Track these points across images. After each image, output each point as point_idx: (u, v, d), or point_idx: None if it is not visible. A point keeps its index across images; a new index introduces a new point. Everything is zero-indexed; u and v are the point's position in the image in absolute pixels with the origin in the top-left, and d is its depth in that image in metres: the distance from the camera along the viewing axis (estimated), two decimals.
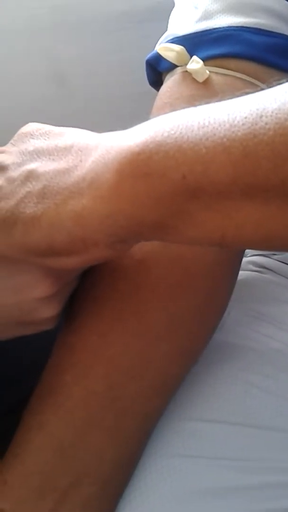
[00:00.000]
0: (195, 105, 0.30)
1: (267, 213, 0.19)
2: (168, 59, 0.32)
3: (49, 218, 0.22)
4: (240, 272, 0.34)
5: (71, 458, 0.26)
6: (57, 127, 0.25)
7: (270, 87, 0.21)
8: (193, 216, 0.20)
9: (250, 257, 0.44)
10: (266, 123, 0.18)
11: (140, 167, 0.20)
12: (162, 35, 0.35)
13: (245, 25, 0.31)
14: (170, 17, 0.35)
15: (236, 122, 0.19)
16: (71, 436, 0.26)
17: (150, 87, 0.36)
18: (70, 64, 0.63)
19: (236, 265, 0.32)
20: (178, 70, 0.32)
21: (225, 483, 0.29)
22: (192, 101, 0.30)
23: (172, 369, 0.29)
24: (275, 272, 0.42)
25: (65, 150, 0.23)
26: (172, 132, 0.20)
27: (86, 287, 0.29)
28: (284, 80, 0.21)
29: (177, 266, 0.29)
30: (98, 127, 0.73)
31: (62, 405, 0.26)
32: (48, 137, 0.25)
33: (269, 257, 0.44)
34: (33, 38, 0.61)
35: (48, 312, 0.27)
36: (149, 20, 0.59)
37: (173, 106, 0.32)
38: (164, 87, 0.33)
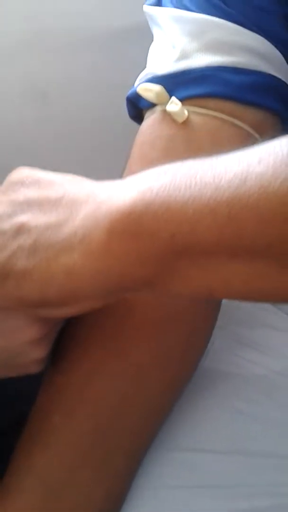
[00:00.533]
0: (174, 146, 0.31)
1: (254, 272, 0.20)
2: (148, 98, 0.33)
3: (41, 272, 0.22)
4: None
5: (60, 499, 0.26)
6: (48, 174, 0.26)
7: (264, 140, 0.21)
8: (181, 273, 0.21)
9: None
10: (250, 187, 0.19)
11: (130, 227, 0.21)
12: (141, 55, 0.36)
13: (222, 65, 0.31)
14: (148, 52, 0.36)
15: (221, 184, 0.20)
16: (60, 476, 0.27)
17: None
18: (51, 83, 0.64)
19: (218, 300, 0.33)
20: (158, 108, 0.33)
21: (216, 510, 0.30)
22: (171, 140, 0.32)
23: (158, 404, 0.30)
24: None
25: (56, 202, 0.24)
26: (161, 191, 0.21)
27: (72, 325, 0.30)
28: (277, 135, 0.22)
29: (160, 304, 0.29)
30: (81, 147, 0.73)
31: (50, 447, 0.27)
32: (38, 187, 0.25)
33: None
34: (14, 58, 0.61)
35: (37, 354, 0.27)
36: (129, 40, 0.60)
37: (153, 145, 0.32)
38: (145, 125, 0.34)
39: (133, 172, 0.32)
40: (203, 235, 0.20)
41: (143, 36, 0.37)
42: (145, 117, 0.34)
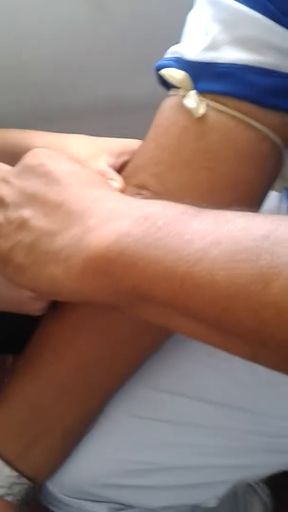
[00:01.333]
0: (186, 138, 0.32)
1: (199, 330, 0.24)
2: (172, 82, 0.33)
3: (32, 273, 0.27)
4: None
5: (42, 416, 0.35)
6: (58, 167, 0.29)
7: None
8: (142, 310, 0.25)
9: None
10: (202, 268, 0.22)
11: (102, 268, 0.25)
12: None
13: (248, 64, 0.30)
14: (187, 18, 0.34)
15: (182, 256, 0.23)
16: (44, 400, 0.35)
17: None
18: None
19: None
20: (181, 92, 0.33)
21: (162, 439, 0.38)
22: (185, 132, 0.33)
23: (137, 360, 0.37)
24: None
25: (55, 207, 0.27)
26: (133, 244, 0.24)
27: None
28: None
29: None
30: (134, 54, 0.71)
31: (40, 377, 0.35)
32: (46, 182, 0.28)
33: None
34: None
35: (37, 306, 0.34)
36: None
37: (168, 130, 0.34)
38: (166, 106, 0.34)
39: (146, 149, 0.34)
40: (158, 294, 0.23)
41: None
42: (169, 94, 0.34)
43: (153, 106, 0.35)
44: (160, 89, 0.36)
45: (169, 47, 0.35)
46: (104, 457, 0.37)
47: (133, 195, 0.34)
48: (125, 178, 0.36)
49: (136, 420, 0.38)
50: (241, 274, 0.21)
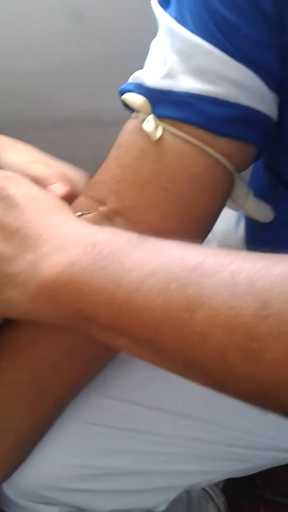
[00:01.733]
0: (145, 159, 0.34)
1: (137, 350, 0.26)
2: (132, 106, 0.35)
3: None
4: None
5: None
6: (17, 191, 0.31)
7: None
8: (88, 329, 0.27)
9: None
10: (140, 296, 0.24)
11: (52, 294, 0.27)
12: None
13: (202, 93, 0.32)
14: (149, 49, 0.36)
15: (122, 284, 0.25)
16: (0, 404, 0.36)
17: None
18: (88, 3, 0.62)
19: None
20: (141, 115, 0.35)
21: (115, 446, 0.40)
22: (143, 153, 0.35)
23: (91, 367, 0.38)
24: None
25: (13, 233, 0.29)
26: (80, 272, 0.26)
27: None
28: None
29: None
30: (113, 66, 0.73)
31: None
32: (4, 207, 0.30)
33: None
34: None
35: None
36: None
37: (128, 151, 0.35)
38: (127, 127, 0.36)
39: (108, 167, 0.36)
40: (100, 318, 0.26)
41: None
42: (131, 116, 0.36)
43: None
44: None
45: (145, 59, 0.37)
46: (59, 461, 0.39)
47: (91, 211, 0.36)
48: (86, 192, 0.37)
49: (90, 427, 0.40)
50: (172, 303, 0.23)
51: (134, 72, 0.37)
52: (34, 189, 0.32)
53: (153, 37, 0.37)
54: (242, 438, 0.43)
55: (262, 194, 0.44)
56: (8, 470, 0.37)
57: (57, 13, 0.63)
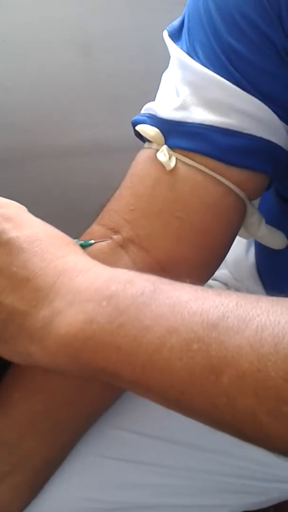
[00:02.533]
0: (159, 189, 0.34)
1: (164, 404, 0.25)
2: (145, 137, 0.35)
3: (10, 346, 0.28)
4: None
5: (11, 453, 0.35)
6: (19, 234, 0.29)
7: None
8: (114, 382, 0.26)
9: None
10: (161, 357, 0.24)
11: (72, 353, 0.26)
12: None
13: (215, 125, 0.33)
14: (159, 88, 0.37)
15: (143, 343, 0.24)
16: (13, 437, 0.35)
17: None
18: (95, 35, 0.64)
19: None
20: (154, 145, 0.35)
21: (129, 480, 0.39)
22: (157, 183, 0.35)
23: (103, 400, 0.37)
24: None
25: (21, 283, 0.28)
26: (97, 331, 0.25)
27: None
28: None
29: None
30: (116, 97, 0.75)
31: (8, 416, 0.35)
32: (8, 253, 0.28)
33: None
34: (61, 6, 0.61)
35: None
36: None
37: (142, 180, 0.36)
38: (140, 157, 0.36)
39: (121, 196, 0.36)
40: (123, 376, 0.25)
41: None
42: (144, 146, 0.37)
43: (137, 149, 0.37)
44: None
45: (151, 90, 0.37)
46: (71, 496, 0.38)
47: (105, 239, 0.36)
48: (99, 220, 0.37)
49: (103, 460, 0.39)
50: (196, 364, 0.23)
51: (138, 101, 0.38)
52: (36, 227, 0.30)
53: (158, 68, 0.38)
54: (255, 470, 0.42)
55: (272, 219, 0.44)
56: (20, 507, 0.36)
57: (64, 44, 0.64)
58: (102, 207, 0.39)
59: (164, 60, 0.38)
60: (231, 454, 0.41)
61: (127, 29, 0.65)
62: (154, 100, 0.37)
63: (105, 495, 0.38)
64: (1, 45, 0.64)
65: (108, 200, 0.38)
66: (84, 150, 0.73)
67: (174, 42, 0.35)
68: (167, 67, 0.37)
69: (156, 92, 0.37)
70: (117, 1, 0.64)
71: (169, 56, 0.37)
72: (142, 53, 0.66)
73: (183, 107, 0.34)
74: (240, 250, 0.50)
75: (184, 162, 0.34)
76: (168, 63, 0.37)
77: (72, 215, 0.60)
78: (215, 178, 0.34)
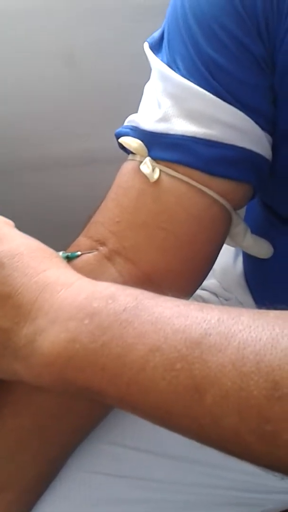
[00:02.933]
0: (143, 200, 0.34)
1: (155, 422, 0.25)
2: (129, 148, 0.35)
3: None
4: None
5: (1, 470, 0.34)
6: (1, 249, 0.29)
7: None
8: (102, 400, 0.26)
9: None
10: (145, 376, 0.24)
11: (56, 371, 0.26)
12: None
13: (196, 136, 0.33)
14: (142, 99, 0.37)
15: (126, 363, 0.24)
16: (2, 454, 0.34)
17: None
18: (81, 46, 0.64)
19: None
20: (137, 157, 0.35)
21: (123, 495, 0.38)
22: (141, 195, 0.35)
23: (92, 414, 0.37)
24: None
25: (3, 300, 0.28)
26: (81, 350, 0.25)
27: None
28: None
29: None
30: (104, 108, 0.75)
31: None
32: None
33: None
34: (48, 18, 0.61)
35: None
36: (151, 15, 0.58)
37: (126, 192, 0.36)
38: (124, 169, 0.36)
39: (107, 208, 0.36)
40: (109, 395, 0.25)
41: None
42: (128, 158, 0.37)
43: (123, 160, 0.37)
44: None
45: (137, 101, 0.37)
46: None
47: (92, 251, 0.36)
48: (86, 232, 0.37)
49: (95, 476, 0.38)
50: (179, 384, 0.23)
51: (126, 112, 0.38)
52: (17, 240, 0.30)
53: (145, 78, 0.38)
54: (250, 481, 0.42)
55: (257, 228, 0.44)
56: None
57: (50, 55, 0.65)
58: (89, 218, 0.39)
59: (149, 71, 0.38)
60: (224, 466, 0.40)
61: (111, 40, 0.65)
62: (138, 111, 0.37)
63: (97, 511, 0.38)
64: None
65: (95, 211, 0.38)
66: (70, 162, 0.73)
67: (155, 53, 0.35)
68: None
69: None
70: (102, 12, 0.64)
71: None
72: (128, 64, 0.67)
73: (165, 118, 0.34)
74: (228, 259, 0.50)
75: (168, 174, 0.34)
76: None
77: (59, 227, 0.60)
78: (199, 189, 0.34)
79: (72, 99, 0.69)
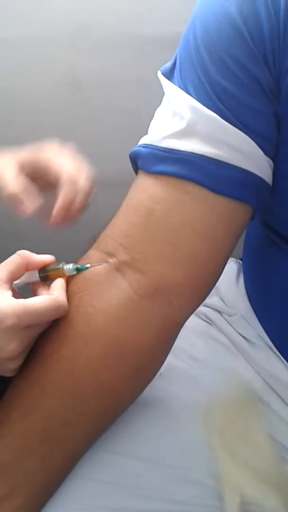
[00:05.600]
0: (151, 216, 0.36)
1: None
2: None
3: None
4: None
5: (7, 476, 0.35)
6: None
7: None
8: None
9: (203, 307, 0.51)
10: None
11: None
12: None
13: (205, 154, 0.35)
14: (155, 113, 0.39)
15: None
16: (10, 459, 0.35)
17: (153, 103, 0.40)
18: (86, 74, 0.67)
19: (169, 341, 0.39)
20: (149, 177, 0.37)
21: (123, 504, 0.39)
22: (149, 212, 0.37)
23: (100, 421, 0.38)
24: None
25: None
26: None
27: (37, 347, 0.37)
28: None
29: (113, 344, 0.36)
30: (106, 130, 0.77)
31: (6, 437, 0.36)
32: None
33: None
34: (56, 48, 0.65)
35: (12, 366, 0.36)
36: (166, 47, 0.62)
37: (136, 209, 0.37)
38: (135, 186, 0.38)
39: (117, 223, 0.38)
40: None
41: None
42: (138, 173, 0.39)
43: (125, 184, 0.39)
44: None
45: (138, 126, 0.40)
46: None
47: (101, 263, 0.37)
48: (96, 246, 0.39)
49: (100, 485, 0.39)
50: None
51: (132, 133, 0.40)
52: None
53: (146, 105, 0.40)
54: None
55: (257, 246, 0.46)
56: None
57: (56, 82, 0.68)
58: (95, 237, 0.40)
59: (152, 99, 0.40)
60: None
61: (117, 69, 0.68)
62: (145, 134, 0.39)
63: None
64: None
65: (103, 229, 0.40)
66: None
67: (168, 79, 0.38)
68: (154, 105, 0.39)
69: (147, 128, 0.39)
70: (108, 43, 0.68)
71: (157, 94, 0.39)
72: (134, 91, 0.70)
73: (176, 136, 0.36)
74: (231, 277, 0.52)
75: (175, 190, 0.36)
76: (156, 101, 0.39)
77: (67, 247, 0.62)
78: (205, 206, 0.36)
79: (76, 124, 0.72)
